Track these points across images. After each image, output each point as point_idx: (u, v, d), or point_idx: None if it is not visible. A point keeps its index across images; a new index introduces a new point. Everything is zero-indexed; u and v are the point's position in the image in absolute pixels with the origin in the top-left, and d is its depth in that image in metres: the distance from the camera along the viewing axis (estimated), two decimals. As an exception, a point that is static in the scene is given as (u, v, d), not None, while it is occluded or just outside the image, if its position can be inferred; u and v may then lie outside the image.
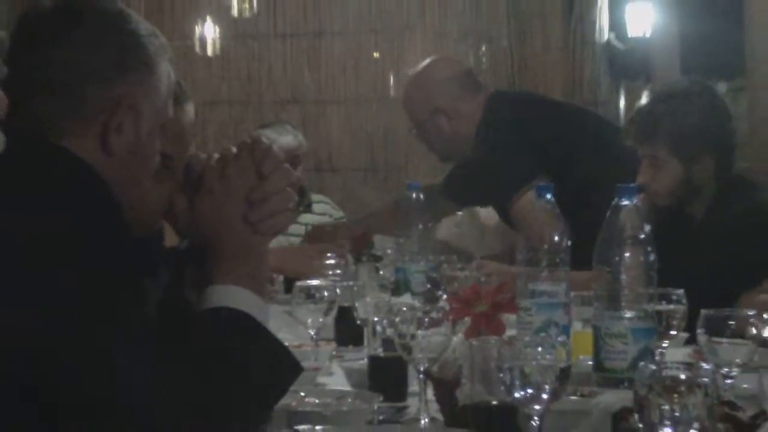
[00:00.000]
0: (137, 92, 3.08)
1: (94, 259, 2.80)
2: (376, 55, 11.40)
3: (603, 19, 11.25)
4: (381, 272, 5.51)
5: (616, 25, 11.33)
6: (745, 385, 2.96)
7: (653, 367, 2.37)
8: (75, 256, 2.76)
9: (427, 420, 3.51)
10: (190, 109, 4.52)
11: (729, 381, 2.95)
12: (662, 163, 5.55)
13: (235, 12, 11.19)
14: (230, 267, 2.99)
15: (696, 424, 2.16)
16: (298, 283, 4.93)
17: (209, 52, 11.23)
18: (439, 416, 3.55)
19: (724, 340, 3.15)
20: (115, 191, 2.99)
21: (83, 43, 3.03)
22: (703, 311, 3.26)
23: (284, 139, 8.72)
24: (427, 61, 7.11)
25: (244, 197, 3.04)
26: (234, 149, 3.11)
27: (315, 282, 4.87)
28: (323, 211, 9.11)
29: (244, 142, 3.15)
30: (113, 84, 3.05)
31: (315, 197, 9.19)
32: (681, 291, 3.73)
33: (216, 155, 3.13)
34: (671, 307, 3.70)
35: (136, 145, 3.08)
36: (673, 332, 3.69)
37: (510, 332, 3.46)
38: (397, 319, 3.81)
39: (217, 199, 3.04)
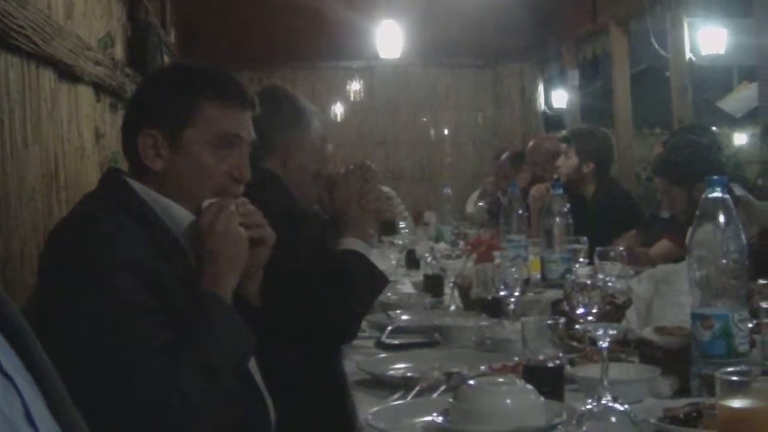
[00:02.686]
0: (302, 136, 3.11)
1: (297, 222, 2.86)
2: (424, 119, 11.38)
3: (540, 98, 11.23)
4: (429, 230, 5.49)
5: (548, 100, 11.28)
6: (618, 285, 2.92)
7: (572, 277, 2.34)
8: (287, 223, 2.79)
9: (454, 307, 3.50)
10: (329, 146, 4.52)
11: (611, 284, 2.90)
12: (570, 156, 5.58)
13: (351, 97, 11.20)
14: (350, 228, 3.00)
15: (596, 306, 2.13)
16: (385, 237, 4.95)
17: (338, 118, 11.22)
18: (461, 305, 3.53)
19: (608, 262, 3.11)
20: (292, 189, 3.01)
21: (272, 112, 3.05)
22: (597, 248, 3.23)
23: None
24: None
25: (357, 191, 3.04)
26: (351, 167, 3.13)
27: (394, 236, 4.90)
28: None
29: (357, 163, 3.17)
30: (289, 132, 3.09)
31: (385, 188, 9.07)
32: (585, 238, 3.70)
33: (343, 170, 3.15)
34: (580, 246, 3.67)
35: (302, 164, 3.10)
36: (581, 259, 3.66)
37: (497, 261, 3.43)
38: (438, 255, 3.82)
39: (343, 193, 3.06)
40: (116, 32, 5.37)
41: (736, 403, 1.40)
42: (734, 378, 1.42)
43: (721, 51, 9.02)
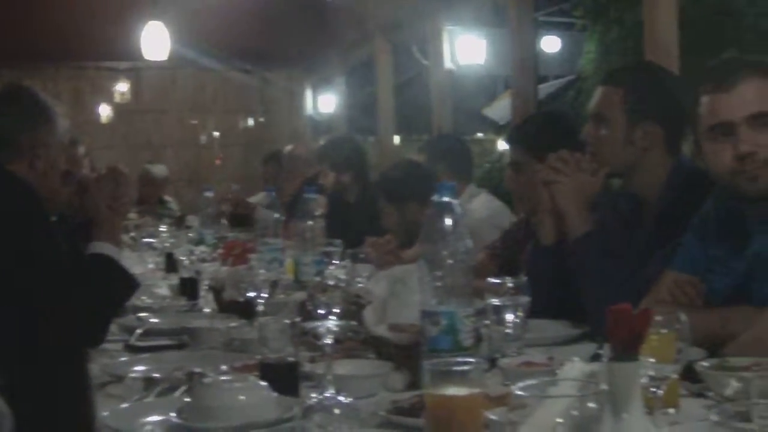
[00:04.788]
0: (47, 136, 3.05)
1: (35, 227, 2.80)
2: (194, 122, 11.33)
3: (307, 103, 11.38)
4: (190, 234, 5.49)
5: (315, 105, 11.46)
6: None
7: (318, 278, 2.41)
8: (27, 225, 2.76)
9: (209, 309, 3.55)
10: (82, 148, 4.47)
11: (361, 285, 2.98)
12: (327, 173, 5.69)
13: (117, 99, 11.03)
14: (101, 232, 2.99)
15: (337, 306, 2.21)
16: (143, 240, 4.93)
17: (103, 121, 11.03)
18: (216, 307, 3.55)
19: (359, 264, 3.18)
20: (39, 192, 2.98)
21: (15, 112, 3.01)
22: (347, 250, 3.31)
23: (160, 169, 8.61)
24: None
25: (109, 196, 3.04)
26: (104, 171, 3.13)
27: (153, 240, 4.88)
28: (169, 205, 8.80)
29: (109, 167, 3.17)
30: (34, 132, 3.02)
31: (168, 197, 8.92)
32: (339, 240, 3.70)
33: (95, 175, 3.14)
34: (333, 249, 3.69)
35: (49, 165, 3.06)
36: (335, 261, 3.73)
37: (252, 263, 3.47)
38: (194, 258, 3.86)
39: (95, 196, 3.05)
40: None
41: (439, 390, 1.52)
42: (437, 369, 1.55)
43: (481, 61, 9.36)
